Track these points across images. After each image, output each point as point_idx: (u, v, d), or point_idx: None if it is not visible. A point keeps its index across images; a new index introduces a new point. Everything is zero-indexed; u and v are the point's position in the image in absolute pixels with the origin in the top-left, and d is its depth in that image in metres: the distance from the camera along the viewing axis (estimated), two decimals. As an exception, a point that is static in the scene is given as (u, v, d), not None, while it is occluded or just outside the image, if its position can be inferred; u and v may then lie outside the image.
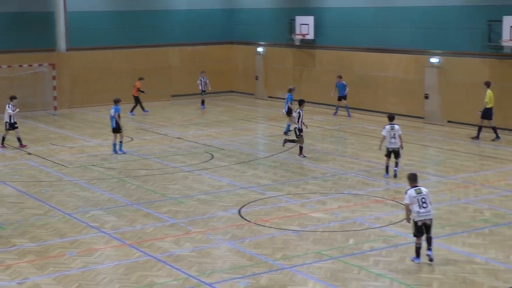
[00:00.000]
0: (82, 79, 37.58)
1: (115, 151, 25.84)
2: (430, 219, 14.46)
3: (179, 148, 26.80)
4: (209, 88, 37.08)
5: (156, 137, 29.15)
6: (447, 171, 22.77)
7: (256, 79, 40.45)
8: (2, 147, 27.15)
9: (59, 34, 36.77)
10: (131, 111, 34.70)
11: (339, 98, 33.62)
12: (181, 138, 28.77)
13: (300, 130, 24.71)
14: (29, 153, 26.14)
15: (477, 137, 27.45)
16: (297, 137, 24.86)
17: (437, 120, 31.27)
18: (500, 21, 28.40)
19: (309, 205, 19.02)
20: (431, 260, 14.49)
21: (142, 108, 35.48)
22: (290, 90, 29.08)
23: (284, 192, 20.38)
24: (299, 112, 24.75)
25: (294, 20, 37.15)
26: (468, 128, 29.60)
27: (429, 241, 14.54)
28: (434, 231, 14.99)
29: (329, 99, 34.51)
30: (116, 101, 25.84)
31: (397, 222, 17.27)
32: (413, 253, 14.80)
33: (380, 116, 32.49)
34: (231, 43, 42.06)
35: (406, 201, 14.47)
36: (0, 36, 35.82)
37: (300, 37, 36.73)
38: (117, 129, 25.63)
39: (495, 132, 27.29)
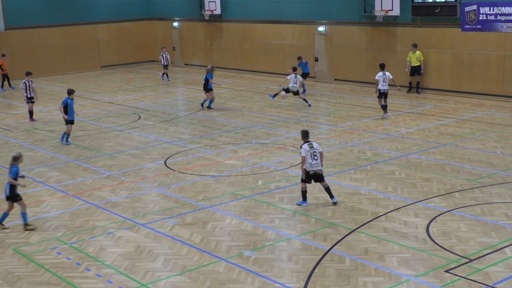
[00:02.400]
0: (21, 54, 36.28)
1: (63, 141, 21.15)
2: (320, 169, 14.30)
3: (111, 111, 26.28)
4: (170, 62, 35.33)
5: (90, 102, 28.49)
6: (335, 120, 23.18)
7: (174, 49, 39.92)
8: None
9: (-2, 15, 35.27)
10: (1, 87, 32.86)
11: (304, 75, 28.24)
12: (111, 103, 28.20)
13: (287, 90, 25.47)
14: (-22, 121, 25.15)
15: (410, 90, 27.72)
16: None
17: (326, 78, 31.68)
18: (374, -6, 28.85)
19: (223, 154, 19.07)
20: (335, 203, 14.35)
21: (9, 84, 32.84)
22: (209, 70, 25.35)
23: (202, 144, 20.35)
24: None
25: (203, -2, 36.73)
26: (350, 85, 30.13)
27: (328, 190, 14.42)
28: (327, 170, 15.28)
29: (235, 65, 34.46)
30: (70, 93, 21.12)
31: (297, 165, 17.53)
32: (309, 190, 15.05)
33: (280, 77, 32.71)
34: (151, 19, 41.26)
35: (302, 154, 14.25)
36: None
37: (209, 12, 36.36)
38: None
39: (417, 87, 27.58)
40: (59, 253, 12.36)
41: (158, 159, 18.66)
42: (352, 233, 12.83)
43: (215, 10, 36.05)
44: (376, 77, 22.92)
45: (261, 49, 34.54)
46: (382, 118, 22.75)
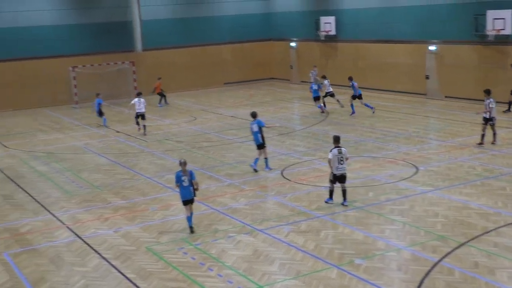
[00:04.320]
0: (155, 73, 37.65)
1: (255, 165, 18.71)
2: (345, 172, 14.85)
3: (232, 124, 26.76)
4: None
5: (214, 116, 29.19)
6: (445, 136, 22.40)
7: (291, 68, 40.19)
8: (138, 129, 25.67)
9: (136, 38, 36.85)
10: (159, 103, 33.49)
11: (354, 97, 27.35)
12: (233, 117, 28.73)
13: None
14: (118, 131, 26.37)
15: (508, 110, 26.15)
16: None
17: (436, 95, 30.70)
18: (484, 14, 27.66)
19: (336, 166, 18.85)
20: (344, 205, 14.86)
21: (165, 101, 33.35)
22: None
23: (316, 156, 20.28)
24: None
25: (319, 19, 36.69)
26: (461, 102, 29.03)
27: (344, 192, 14.90)
28: (436, 184, 14.72)
29: (347, 82, 34.16)
30: (254, 115, 18.58)
31: (406, 178, 17.07)
32: (419, 203, 14.60)
33: (391, 94, 32.10)
34: (270, 40, 41.75)
35: (330, 157, 14.77)
36: (92, 42, 36.05)
37: (325, 33, 36.32)
38: (261, 145, 18.56)
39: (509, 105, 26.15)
40: (185, 253, 12.69)
41: (275, 170, 18.76)
42: (462, 246, 12.28)
43: (331, 30, 35.94)
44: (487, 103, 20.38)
45: (373, 67, 34.03)
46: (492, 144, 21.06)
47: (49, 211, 15.95)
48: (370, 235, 13.08)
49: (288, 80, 40.59)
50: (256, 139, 18.40)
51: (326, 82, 28.60)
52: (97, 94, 28.38)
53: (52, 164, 21.12)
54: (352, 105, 27.33)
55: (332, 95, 28.51)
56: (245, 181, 17.74)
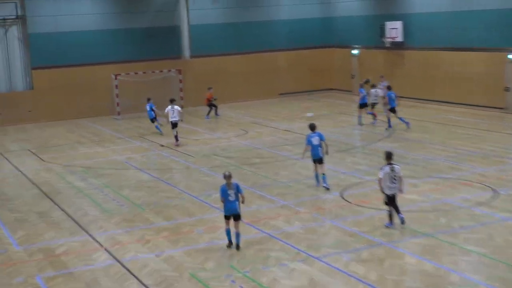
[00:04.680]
0: (204, 81, 37.90)
1: (318, 183, 19.02)
2: (396, 192, 14.88)
3: (287, 139, 26.62)
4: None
5: (267, 130, 29.11)
6: (528, 156, 21.70)
7: (352, 77, 39.88)
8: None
9: (184, 44, 37.32)
10: (207, 115, 33.69)
11: (392, 110, 27.21)
12: (288, 131, 28.59)
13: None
14: (162, 145, 26.59)
15: None
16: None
17: (517, 110, 29.87)
18: None
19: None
20: (403, 221, 14.87)
21: (215, 112, 33.54)
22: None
23: (380, 176, 19.88)
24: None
25: (384, 25, 36.30)
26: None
27: (396, 208, 14.92)
28: (500, 205, 14.23)
29: (417, 94, 33.68)
30: (313, 128, 18.52)
31: (483, 203, 16.52)
32: (499, 232, 14.09)
33: (464, 108, 31.41)
34: (330, 47, 41.54)
35: (380, 176, 14.85)
36: (136, 48, 36.64)
37: (390, 40, 35.90)
38: (321, 159, 18.63)
39: None
40: (233, 281, 12.54)
41: (334, 190, 18.48)
42: (549, 283, 11.75)
43: (397, 37, 35.50)
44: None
45: (445, 78, 33.37)
46: None
47: (86, 231, 16.09)
48: (441, 267, 12.65)
49: (349, 91, 40.25)
50: (316, 153, 18.48)
51: (373, 91, 29.49)
52: (148, 99, 29.35)
53: (91, 180, 21.39)
54: (401, 118, 27.42)
55: (373, 105, 29.25)
56: (301, 202, 17.52)
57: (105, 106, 35.68)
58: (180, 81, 36.65)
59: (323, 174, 18.73)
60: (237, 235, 14.16)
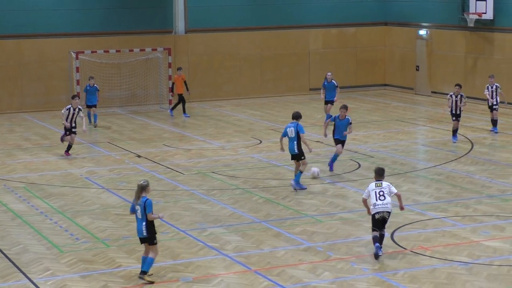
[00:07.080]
0: (203, 67, 38.01)
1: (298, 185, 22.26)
2: (388, 212, 16.29)
3: (319, 154, 26.74)
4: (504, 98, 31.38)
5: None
6: None
7: (417, 70, 39.97)
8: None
9: (177, 13, 37.36)
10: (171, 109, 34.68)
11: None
12: (320, 142, 28.67)
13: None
14: (139, 156, 26.75)
15: None
16: None
17: None
18: None
19: (482, 230, 18.58)
20: (377, 255, 16.24)
21: (183, 108, 34.30)
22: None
23: (450, 213, 20.02)
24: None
25: (466, -4, 36.61)
26: None
27: (381, 237, 16.40)
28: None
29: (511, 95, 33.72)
30: (296, 117, 22.20)
31: None
32: None
33: None
34: (386, 24, 41.69)
35: (364, 196, 16.60)
36: (108, 15, 36.75)
37: (475, 16, 36.04)
38: (297, 156, 22.01)
39: None
40: None
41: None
42: None
43: (485, 13, 35.60)
44: None
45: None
46: None
47: (24, 273, 16.23)
48: None
49: (412, 88, 40.36)
50: (291, 148, 21.01)
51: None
52: (91, 78, 30.53)
53: (35, 201, 21.58)
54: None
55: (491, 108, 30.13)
56: (332, 245, 17.64)
57: (60, 97, 35.83)
58: (169, 65, 36.75)
59: (301, 172, 21.77)
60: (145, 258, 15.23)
